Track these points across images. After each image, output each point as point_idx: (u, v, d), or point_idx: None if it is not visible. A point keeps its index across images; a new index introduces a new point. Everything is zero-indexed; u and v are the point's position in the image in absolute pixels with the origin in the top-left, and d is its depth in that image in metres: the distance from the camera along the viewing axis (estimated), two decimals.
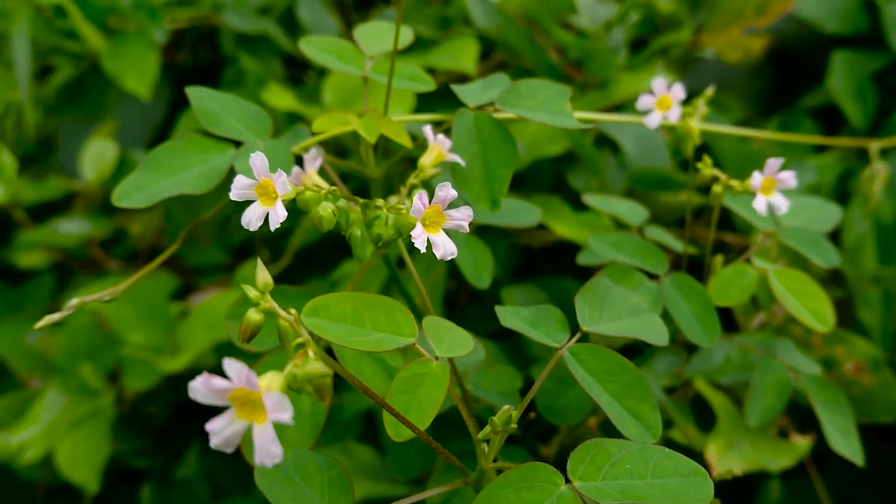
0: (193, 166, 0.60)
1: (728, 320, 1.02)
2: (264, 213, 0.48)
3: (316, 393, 0.37)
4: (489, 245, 1.05)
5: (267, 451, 0.35)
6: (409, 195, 0.60)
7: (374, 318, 0.49)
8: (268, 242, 1.36)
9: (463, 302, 1.17)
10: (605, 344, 0.58)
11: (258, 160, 0.47)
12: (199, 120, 0.63)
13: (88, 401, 1.23)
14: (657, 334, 0.58)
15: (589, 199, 0.84)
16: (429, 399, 0.48)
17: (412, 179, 0.61)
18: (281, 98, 1.14)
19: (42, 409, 1.21)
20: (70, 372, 1.24)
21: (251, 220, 0.49)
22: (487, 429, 0.49)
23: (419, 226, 0.49)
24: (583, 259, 0.76)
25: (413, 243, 0.48)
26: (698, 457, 0.82)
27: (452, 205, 0.50)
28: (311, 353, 0.37)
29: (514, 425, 0.49)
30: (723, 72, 1.33)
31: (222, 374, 0.35)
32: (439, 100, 1.23)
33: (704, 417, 0.89)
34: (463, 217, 0.51)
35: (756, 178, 0.65)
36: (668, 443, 0.83)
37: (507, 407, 0.49)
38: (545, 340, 0.54)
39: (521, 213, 0.79)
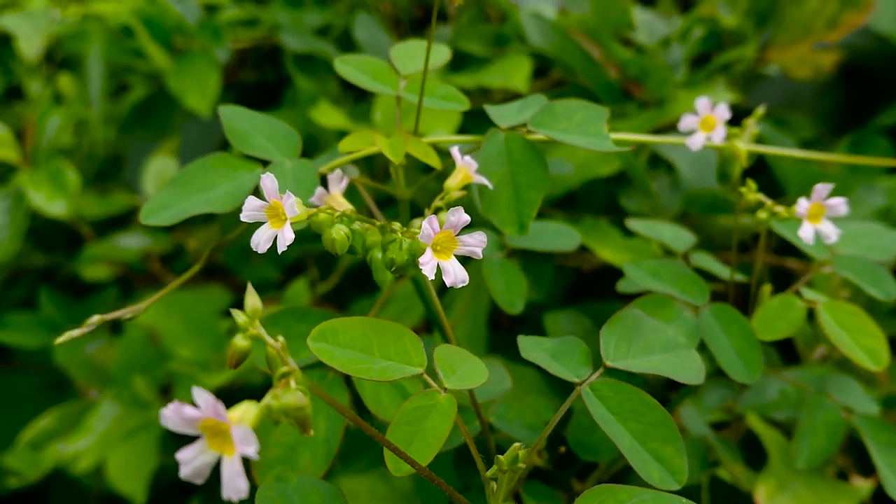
0: (221, 185, 0.59)
1: (790, 351, 0.97)
2: (273, 236, 0.47)
3: (297, 425, 0.36)
4: (533, 268, 1.02)
5: (233, 485, 0.33)
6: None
7: (383, 345, 0.47)
8: (318, 260, 1.36)
9: (507, 324, 1.15)
10: (641, 379, 0.55)
11: (268, 181, 0.47)
12: (230, 139, 0.62)
13: (140, 413, 1.25)
14: (691, 372, 0.54)
15: (633, 224, 0.81)
16: (434, 433, 0.45)
17: (437, 202, 0.59)
18: (331, 117, 1.14)
19: (96, 420, 1.23)
20: (124, 384, 1.27)
21: (259, 242, 0.48)
22: (495, 467, 0.46)
23: (428, 251, 0.47)
24: (623, 287, 0.73)
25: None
26: (746, 498, 0.77)
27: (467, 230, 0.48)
28: (292, 384, 0.36)
29: (540, 462, 0.47)
30: (791, 89, 1.27)
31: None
32: (488, 119, 1.21)
33: (756, 455, 0.84)
34: (476, 243, 0.49)
35: (802, 205, 0.61)
36: (713, 482, 0.78)
37: (515, 445, 0.46)
38: (564, 374, 0.52)
39: (558, 237, 0.76)
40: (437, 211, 0.59)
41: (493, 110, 0.64)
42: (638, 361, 0.54)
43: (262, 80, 1.65)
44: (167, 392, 1.27)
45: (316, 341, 0.46)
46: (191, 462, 0.33)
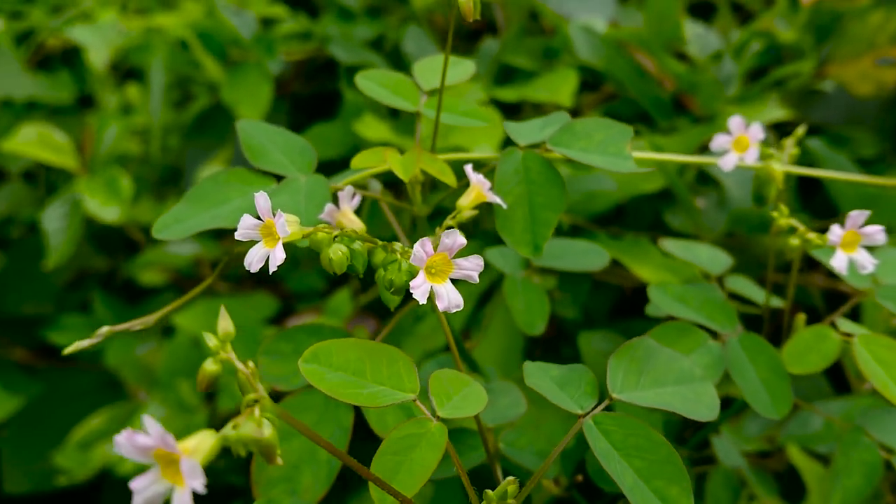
0: (233, 200, 0.59)
1: (841, 379, 0.92)
2: (266, 255, 0.47)
3: (263, 456, 0.35)
4: (569, 286, 1.00)
5: None
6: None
7: (376, 369, 0.46)
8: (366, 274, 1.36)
9: (548, 339, 1.12)
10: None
11: (261, 200, 0.46)
12: (245, 153, 0.63)
13: (184, 417, 1.27)
14: (704, 408, 0.51)
15: (668, 244, 0.78)
16: (422, 463, 0.44)
17: (448, 221, 0.58)
18: (375, 129, 1.14)
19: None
20: (170, 387, 1.29)
21: (252, 261, 0.47)
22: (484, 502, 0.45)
23: (421, 275, 0.46)
24: (651, 311, 0.70)
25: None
26: None
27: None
28: (256, 413, 0.35)
29: (556, 490, 0.45)
30: (852, 105, 1.21)
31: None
32: None
33: (795, 490, 0.80)
34: (472, 267, 0.47)
35: (835, 233, 0.57)
36: None
37: (508, 479, 0.45)
38: (567, 405, 0.49)
39: (586, 256, 0.74)
40: (447, 230, 0.58)
41: (512, 127, 0.63)
42: (647, 394, 0.51)
43: (317, 91, 1.67)
44: (211, 398, 1.29)
45: (308, 362, 0.45)
46: (143, 491, 0.33)
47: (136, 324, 0.58)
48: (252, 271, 0.47)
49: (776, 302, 0.70)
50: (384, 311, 1.36)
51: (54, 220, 1.33)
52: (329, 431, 0.58)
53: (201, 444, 0.34)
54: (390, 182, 0.85)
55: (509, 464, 0.60)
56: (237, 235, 0.47)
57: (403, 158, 0.57)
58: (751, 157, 0.65)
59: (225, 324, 0.39)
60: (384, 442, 0.45)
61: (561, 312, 1.05)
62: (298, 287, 1.45)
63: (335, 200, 0.60)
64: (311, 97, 1.64)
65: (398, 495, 0.42)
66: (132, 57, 1.72)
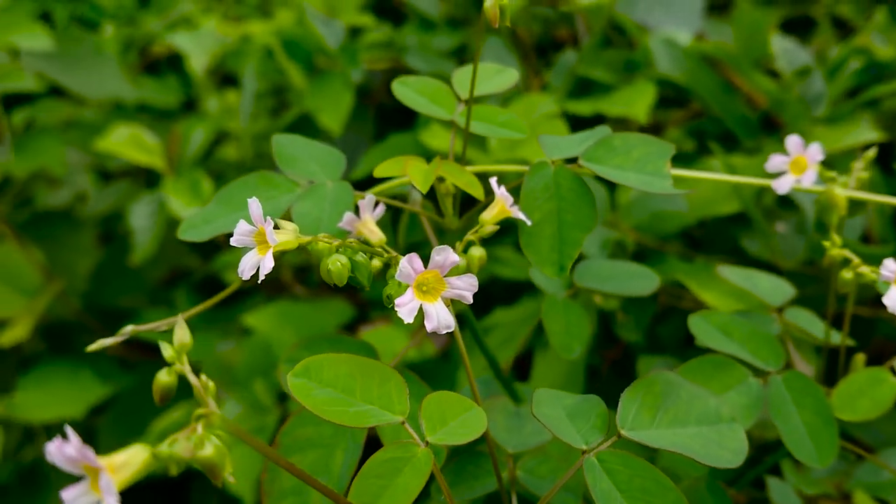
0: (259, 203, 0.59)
1: None
2: (258, 263, 0.46)
3: (207, 474, 0.34)
4: (634, 309, 0.96)
5: None
6: (466, 252, 0.55)
7: (367, 387, 0.45)
8: None
9: (607, 367, 1.08)
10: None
11: (254, 206, 0.46)
12: (277, 161, 0.62)
13: (258, 416, 1.29)
14: (728, 453, 0.47)
15: (726, 272, 0.73)
16: (405, 489, 0.42)
17: (470, 235, 0.56)
18: (441, 139, 1.13)
19: None
20: (246, 386, 1.31)
21: (244, 268, 0.47)
22: None
23: (409, 292, 0.44)
24: (700, 341, 0.66)
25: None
26: None
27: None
28: (199, 430, 0.34)
29: None
30: None
31: None
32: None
33: None
34: (465, 287, 0.45)
35: (888, 267, 0.52)
36: None
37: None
38: (571, 439, 0.46)
39: (634, 280, 0.71)
40: (468, 245, 0.56)
41: (547, 140, 0.60)
42: (662, 433, 0.47)
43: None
44: (284, 399, 1.30)
45: (297, 377, 0.44)
46: (72, 502, 0.32)
47: (162, 324, 0.59)
48: (244, 279, 0.47)
49: (848, 340, 0.64)
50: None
51: (141, 218, 1.38)
52: (343, 445, 0.56)
53: (132, 460, 0.33)
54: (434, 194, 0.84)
55: (527, 493, 0.57)
56: (232, 241, 0.47)
57: (423, 168, 0.55)
58: (808, 180, 0.60)
59: (181, 334, 0.38)
60: (367, 464, 0.43)
61: (624, 335, 1.01)
62: (374, 294, 1.46)
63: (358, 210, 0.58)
64: (397, 107, 1.64)
65: None
66: (229, 63, 1.77)
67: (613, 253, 0.95)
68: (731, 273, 0.73)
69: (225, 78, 1.88)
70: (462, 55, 1.46)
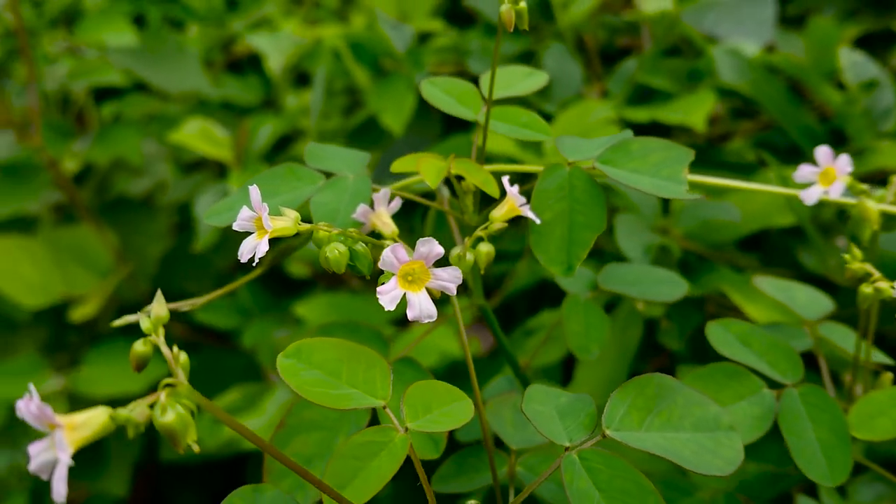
0: (283, 194, 0.61)
1: None
2: (255, 247, 0.48)
3: (169, 441, 0.36)
4: (678, 317, 0.94)
5: (56, 488, 0.34)
6: (474, 247, 0.56)
7: (353, 371, 0.46)
8: (486, 282, 1.36)
9: (659, 367, 1.06)
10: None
11: (254, 192, 0.47)
12: (306, 159, 0.64)
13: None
14: (721, 461, 0.46)
15: (763, 283, 0.71)
16: (378, 473, 0.43)
17: (479, 231, 0.56)
18: (500, 142, 1.13)
19: (270, 402, 1.31)
20: None
21: (243, 252, 0.48)
22: None
23: (393, 281, 0.45)
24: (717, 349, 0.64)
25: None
26: None
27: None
28: (162, 397, 0.35)
29: None
30: None
31: None
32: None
33: None
34: (449, 278, 0.45)
35: None
36: None
37: (471, 502, 0.42)
38: (556, 437, 0.46)
39: (661, 286, 0.69)
40: (477, 241, 0.56)
41: (567, 141, 0.60)
42: (650, 436, 0.46)
43: None
44: None
45: (287, 357, 0.46)
46: (37, 457, 0.34)
47: (185, 305, 0.62)
48: (243, 261, 0.48)
49: (884, 358, 0.62)
50: (504, 318, 1.34)
51: (205, 208, 1.43)
52: (346, 428, 0.58)
53: (91, 421, 0.35)
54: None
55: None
56: (235, 226, 0.49)
57: (435, 165, 0.56)
58: (835, 192, 0.58)
59: (158, 308, 0.40)
60: (346, 444, 0.44)
61: (666, 343, 0.99)
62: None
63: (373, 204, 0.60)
64: None
65: (346, 502, 0.41)
66: (304, 64, 1.82)
67: (657, 258, 0.94)
68: (767, 284, 0.71)
69: (301, 78, 1.93)
70: (528, 61, 1.46)
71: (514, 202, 0.56)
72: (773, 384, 0.57)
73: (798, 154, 1.16)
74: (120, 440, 1.60)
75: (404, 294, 0.45)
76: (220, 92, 1.78)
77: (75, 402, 1.57)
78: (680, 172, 0.55)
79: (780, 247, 1.11)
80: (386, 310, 0.44)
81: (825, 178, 0.59)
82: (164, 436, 0.35)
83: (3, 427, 1.67)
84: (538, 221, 0.55)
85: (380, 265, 0.45)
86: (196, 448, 0.37)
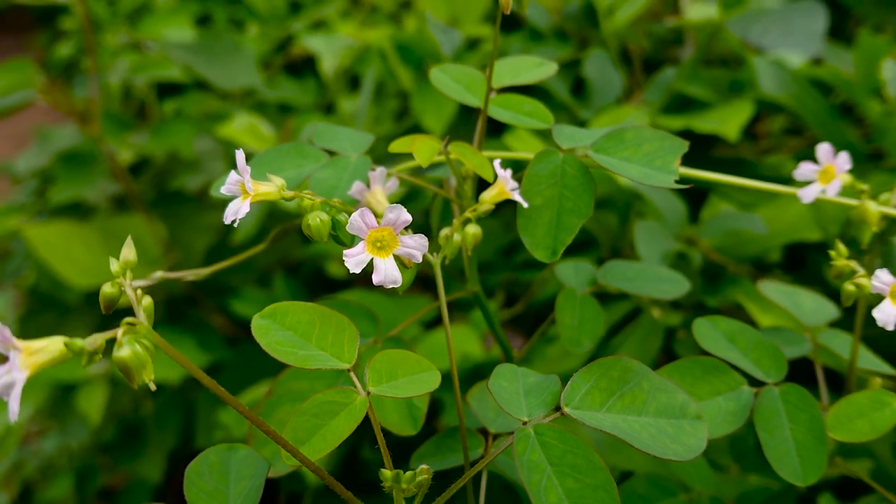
0: (287, 170, 0.63)
1: None
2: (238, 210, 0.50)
3: (124, 375, 0.37)
4: None
5: (11, 407, 0.36)
6: (463, 228, 0.57)
7: (322, 335, 0.47)
8: (507, 287, 1.36)
9: None
10: None
11: (239, 156, 0.49)
12: (314, 139, 0.66)
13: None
14: (680, 447, 0.45)
15: (768, 289, 0.70)
16: (335, 432, 0.44)
17: (468, 213, 0.57)
18: (525, 143, 1.14)
19: None
20: None
21: (227, 214, 0.50)
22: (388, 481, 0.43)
23: (360, 245, 0.46)
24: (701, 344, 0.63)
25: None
26: None
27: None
28: (119, 333, 0.37)
29: None
30: None
31: None
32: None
33: None
34: (415, 246, 0.46)
35: (881, 279, 0.48)
36: None
37: (423, 467, 0.43)
38: (514, 412, 0.46)
39: (660, 283, 0.69)
40: (466, 222, 0.57)
41: (564, 130, 0.60)
42: (608, 417, 0.46)
43: None
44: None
45: (263, 317, 0.47)
46: None
47: (188, 274, 0.64)
48: (226, 223, 0.50)
49: (872, 364, 0.60)
50: (530, 325, 1.34)
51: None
52: None
53: (48, 347, 0.37)
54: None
55: (498, 472, 0.57)
56: (222, 189, 0.51)
57: (428, 145, 0.57)
58: (833, 190, 0.57)
59: (127, 252, 0.42)
60: (308, 402, 0.45)
61: (682, 353, 0.98)
62: (454, 293, 1.48)
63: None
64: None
65: (304, 459, 0.42)
66: (356, 68, 1.86)
67: (674, 265, 0.93)
68: (772, 290, 0.70)
69: (356, 81, 1.97)
70: (573, 68, 1.46)
71: (503, 185, 0.56)
72: (756, 382, 0.56)
73: None
74: (159, 426, 1.65)
75: (371, 259, 0.46)
76: (276, 93, 1.83)
77: (116, 385, 1.62)
78: (672, 163, 0.55)
79: (811, 263, 1.09)
80: (350, 272, 0.45)
81: (825, 176, 0.58)
82: (120, 371, 0.37)
83: (51, 408, 1.74)
84: (526, 205, 0.56)
85: (347, 228, 0.46)
86: (153, 386, 0.39)
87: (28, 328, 1.62)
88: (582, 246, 1.28)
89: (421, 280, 1.54)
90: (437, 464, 0.57)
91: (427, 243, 0.47)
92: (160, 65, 1.70)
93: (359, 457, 1.26)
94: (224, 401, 0.41)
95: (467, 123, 1.57)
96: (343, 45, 1.84)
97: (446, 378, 1.28)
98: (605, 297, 0.90)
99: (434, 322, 1.43)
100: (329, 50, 1.84)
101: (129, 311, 0.40)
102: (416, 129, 1.70)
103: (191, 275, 0.64)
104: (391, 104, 1.75)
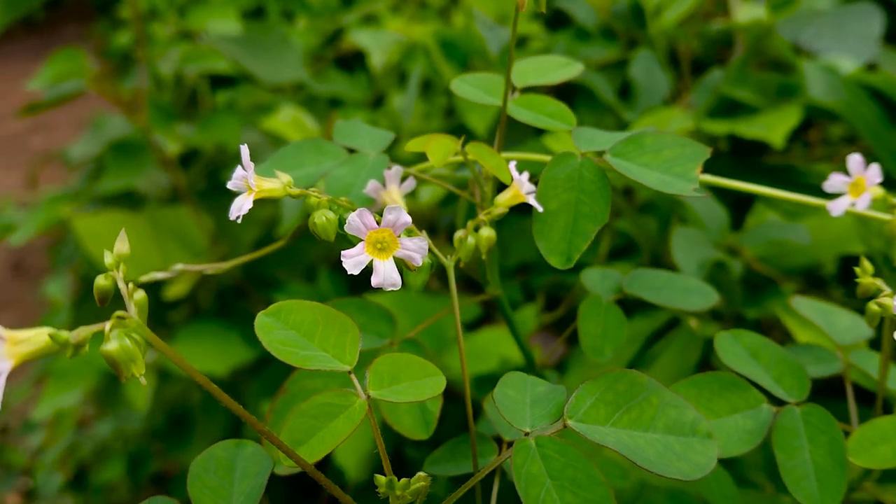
0: (306, 166, 0.63)
1: None
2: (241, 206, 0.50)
3: (112, 368, 0.37)
4: None
5: None
6: (477, 231, 0.56)
7: (325, 335, 0.47)
8: (547, 290, 1.35)
9: None
10: None
11: (244, 151, 0.49)
12: (334, 136, 0.66)
13: None
14: (687, 466, 0.44)
15: (801, 305, 0.67)
16: (333, 435, 0.43)
17: (481, 216, 0.56)
18: (562, 143, 1.12)
19: None
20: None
21: (232, 210, 0.50)
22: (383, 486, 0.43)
23: (360, 246, 0.45)
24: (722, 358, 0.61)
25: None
26: None
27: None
28: (107, 327, 0.37)
29: None
30: None
31: None
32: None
33: None
34: (415, 248, 0.45)
35: None
36: None
37: (420, 474, 0.42)
38: (517, 422, 0.45)
39: (688, 295, 0.67)
40: (479, 226, 0.56)
41: (583, 133, 0.59)
42: (613, 432, 0.45)
43: None
44: None
45: (267, 316, 0.47)
46: None
47: (209, 267, 0.65)
48: (231, 219, 0.50)
49: None
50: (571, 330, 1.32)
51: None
52: None
53: (34, 338, 0.37)
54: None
55: (506, 483, 0.56)
56: (229, 185, 0.51)
57: (444, 144, 0.56)
58: (862, 204, 0.54)
59: (120, 245, 0.42)
60: (307, 403, 0.45)
61: (719, 366, 0.95)
62: (496, 294, 1.48)
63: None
64: None
65: (299, 460, 0.42)
66: (404, 64, 1.86)
67: (712, 274, 0.90)
68: (806, 307, 0.67)
69: (405, 76, 1.97)
70: (620, 69, 1.44)
71: (518, 188, 0.55)
72: (776, 401, 0.54)
73: (892, 183, 1.09)
74: (206, 416, 1.68)
75: (371, 260, 0.46)
76: (327, 87, 1.83)
77: (164, 377, 1.65)
78: (692, 170, 0.54)
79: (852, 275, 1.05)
80: (349, 273, 0.45)
81: (855, 189, 0.56)
82: (108, 364, 0.37)
83: (101, 394, 1.78)
84: (541, 209, 0.55)
85: (346, 228, 0.46)
86: (143, 381, 0.39)
87: (81, 314, 1.66)
88: (622, 252, 1.25)
89: (463, 280, 1.54)
90: (451, 469, 0.56)
91: (427, 246, 0.46)
92: (210, 56, 1.72)
93: (403, 455, 1.26)
94: (220, 399, 0.41)
95: (515, 125, 1.55)
96: (391, 40, 1.84)
97: (492, 381, 1.26)
98: (642, 305, 0.88)
99: (476, 323, 1.42)
100: (376, 45, 1.84)
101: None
102: (461, 127, 1.70)
103: (211, 268, 0.65)
104: (441, 101, 1.74)
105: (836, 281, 1.10)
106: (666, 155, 0.55)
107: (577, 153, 0.57)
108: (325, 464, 1.36)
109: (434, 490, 0.48)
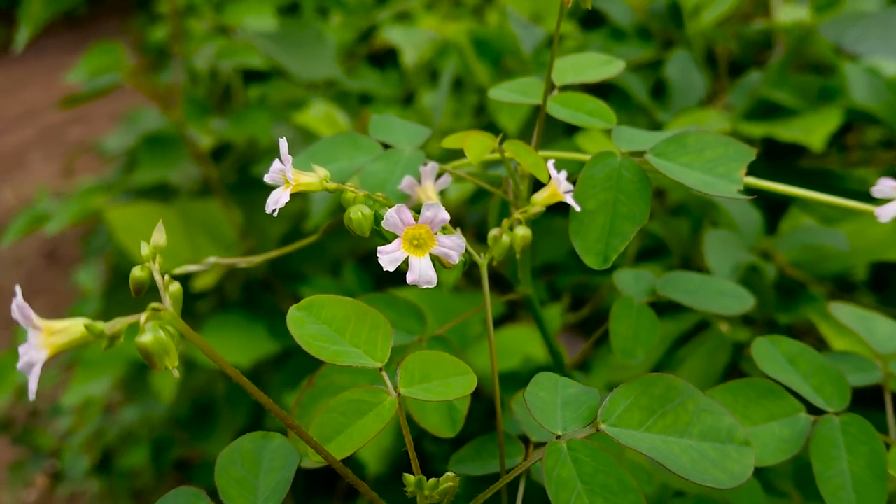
0: (340, 161, 0.62)
1: None
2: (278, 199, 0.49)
3: (145, 359, 0.37)
4: None
5: (29, 386, 0.36)
6: (512, 230, 0.55)
7: (357, 331, 0.46)
8: (573, 290, 1.34)
9: None
10: None
11: (282, 146, 0.49)
12: (370, 130, 0.65)
13: None
14: (722, 474, 0.43)
15: (840, 312, 0.66)
16: (362, 431, 0.43)
17: (517, 214, 0.55)
18: (597, 142, 1.11)
19: None
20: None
21: (269, 203, 0.50)
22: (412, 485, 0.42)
23: (396, 242, 0.45)
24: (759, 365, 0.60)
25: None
26: None
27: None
28: (142, 319, 0.37)
29: None
30: None
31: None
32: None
33: None
34: (452, 246, 0.45)
35: None
36: None
37: (449, 474, 0.42)
38: (548, 424, 0.45)
39: (722, 298, 0.66)
40: (515, 224, 0.55)
41: (623, 132, 0.58)
42: (647, 437, 0.44)
43: None
44: None
45: (299, 309, 0.47)
46: (23, 356, 0.37)
47: (241, 262, 0.65)
48: (268, 212, 0.50)
49: None
50: (594, 331, 1.31)
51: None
52: None
53: (69, 329, 0.37)
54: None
55: (537, 482, 0.55)
56: (266, 178, 0.51)
57: (481, 141, 0.55)
58: None
59: (158, 237, 0.42)
60: (336, 399, 0.45)
61: (748, 371, 0.94)
62: (525, 292, 1.47)
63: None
64: None
65: (327, 455, 0.42)
66: (436, 62, 1.85)
67: (745, 278, 0.89)
68: (845, 313, 0.66)
69: (436, 74, 1.96)
70: (656, 69, 1.42)
71: (556, 187, 0.55)
72: (814, 409, 0.53)
73: None
74: (230, 405, 1.69)
75: (407, 257, 0.45)
76: (359, 83, 1.83)
77: (191, 368, 1.66)
78: (737, 171, 0.52)
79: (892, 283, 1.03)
80: (385, 269, 0.45)
81: None
82: (142, 356, 0.37)
83: (129, 382, 1.80)
84: (578, 209, 0.54)
85: (383, 224, 0.45)
86: (176, 374, 0.39)
87: (111, 303, 1.68)
88: (652, 253, 1.24)
89: (493, 278, 1.53)
90: (477, 469, 0.56)
91: (464, 244, 0.45)
92: (245, 52, 1.72)
93: (422, 449, 1.25)
94: (258, 395, 0.40)
95: (546, 124, 1.54)
96: (424, 37, 1.83)
97: (514, 379, 1.24)
98: (670, 307, 0.87)
99: (503, 320, 1.41)
100: (409, 42, 1.84)
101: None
102: (492, 126, 1.69)
103: (243, 262, 0.65)
104: (471, 99, 1.73)
105: (866, 287, 1.08)
106: (708, 155, 0.54)
107: (617, 152, 0.56)
108: (347, 458, 1.35)
109: None
